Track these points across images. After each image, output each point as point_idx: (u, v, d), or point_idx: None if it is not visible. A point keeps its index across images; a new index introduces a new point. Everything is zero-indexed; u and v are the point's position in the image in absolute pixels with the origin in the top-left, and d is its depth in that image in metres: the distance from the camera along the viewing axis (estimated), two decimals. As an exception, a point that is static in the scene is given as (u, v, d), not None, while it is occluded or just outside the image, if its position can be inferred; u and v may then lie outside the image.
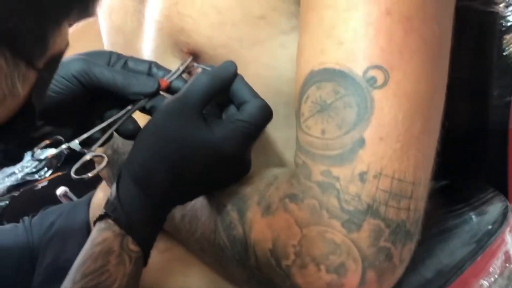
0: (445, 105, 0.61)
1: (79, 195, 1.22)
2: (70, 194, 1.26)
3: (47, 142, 0.66)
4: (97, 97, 0.69)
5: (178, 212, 0.71)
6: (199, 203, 0.70)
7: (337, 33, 0.58)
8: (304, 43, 0.62)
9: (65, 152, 0.65)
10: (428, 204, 0.60)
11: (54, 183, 1.27)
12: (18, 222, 1.09)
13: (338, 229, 0.56)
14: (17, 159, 0.54)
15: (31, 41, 0.41)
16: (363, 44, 0.57)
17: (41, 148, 0.66)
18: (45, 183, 1.24)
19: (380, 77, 0.56)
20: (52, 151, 0.64)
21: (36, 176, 1.20)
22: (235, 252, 0.64)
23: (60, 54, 0.46)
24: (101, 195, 1.00)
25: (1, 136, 0.47)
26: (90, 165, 0.66)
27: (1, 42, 0.38)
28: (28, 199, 1.29)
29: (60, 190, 1.26)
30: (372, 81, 0.56)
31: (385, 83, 0.56)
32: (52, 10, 0.40)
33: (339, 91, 0.57)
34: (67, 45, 0.47)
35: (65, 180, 1.26)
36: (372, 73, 0.56)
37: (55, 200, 1.24)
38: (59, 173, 0.67)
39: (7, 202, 1.34)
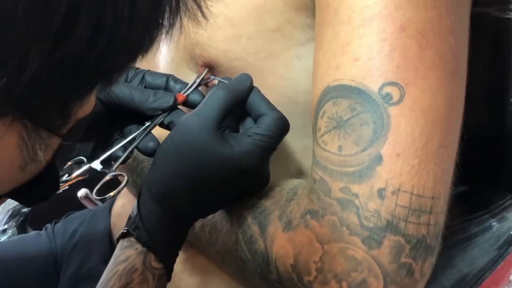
0: (463, 112, 0.61)
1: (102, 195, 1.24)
2: (91, 196, 1.27)
3: (69, 163, 0.67)
4: (116, 113, 0.70)
5: (197, 221, 0.72)
6: (218, 214, 0.71)
7: (352, 49, 0.58)
8: (319, 58, 0.62)
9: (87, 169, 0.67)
10: (449, 211, 0.60)
11: (75, 185, 1.28)
12: (41, 227, 1.11)
13: (358, 245, 0.56)
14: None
15: (53, 114, 0.40)
16: (378, 61, 0.57)
17: (64, 169, 0.67)
18: (66, 187, 1.26)
19: (395, 93, 0.56)
20: (75, 173, 0.65)
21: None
22: (257, 266, 0.65)
23: (85, 118, 0.46)
24: (120, 203, 1.01)
25: (22, 197, 0.47)
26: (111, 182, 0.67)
27: (23, 115, 0.38)
28: (50, 203, 1.31)
29: (81, 192, 1.27)
30: (388, 97, 0.56)
31: (400, 99, 0.56)
32: (75, 89, 0.40)
33: (355, 108, 0.57)
34: (93, 108, 0.47)
35: (85, 182, 1.27)
36: (388, 89, 0.56)
37: (77, 203, 1.26)
38: (80, 178, 0.68)
39: (29, 208, 1.35)
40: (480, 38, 0.65)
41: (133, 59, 0.42)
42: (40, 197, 0.49)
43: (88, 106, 0.44)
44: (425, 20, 0.57)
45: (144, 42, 0.42)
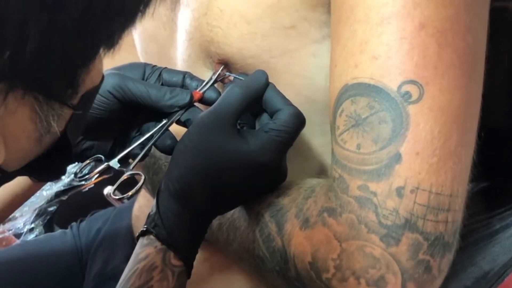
0: (483, 108, 0.60)
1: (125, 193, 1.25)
2: (117, 193, 1.28)
3: (88, 161, 0.68)
4: (134, 111, 0.71)
5: (215, 220, 0.72)
6: (236, 212, 0.71)
7: (371, 47, 0.58)
8: (336, 56, 0.62)
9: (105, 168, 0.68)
10: (470, 208, 0.59)
11: (100, 183, 1.29)
12: (68, 225, 1.12)
13: (377, 243, 0.56)
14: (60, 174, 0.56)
15: (62, 84, 0.41)
16: (397, 59, 0.56)
17: (83, 168, 0.68)
18: (91, 185, 1.27)
19: (414, 92, 0.56)
20: (94, 171, 0.66)
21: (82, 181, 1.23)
22: (275, 263, 0.65)
23: (95, 89, 0.47)
24: (137, 206, 1.01)
25: (37, 170, 0.48)
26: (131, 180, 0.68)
27: (33, 88, 0.39)
28: (76, 201, 1.32)
29: (107, 190, 1.29)
30: (406, 96, 0.56)
31: (420, 98, 0.55)
32: (79, 55, 0.41)
33: (374, 106, 0.57)
34: (102, 78, 0.48)
35: (111, 180, 1.28)
36: (407, 88, 0.56)
37: (102, 201, 1.27)
38: (105, 176, 0.69)
39: (55, 207, 1.37)
40: (499, 33, 0.64)
41: (132, 21, 0.43)
42: (54, 170, 0.50)
43: (95, 74, 0.45)
44: (444, 18, 0.56)
45: (141, 3, 0.42)
